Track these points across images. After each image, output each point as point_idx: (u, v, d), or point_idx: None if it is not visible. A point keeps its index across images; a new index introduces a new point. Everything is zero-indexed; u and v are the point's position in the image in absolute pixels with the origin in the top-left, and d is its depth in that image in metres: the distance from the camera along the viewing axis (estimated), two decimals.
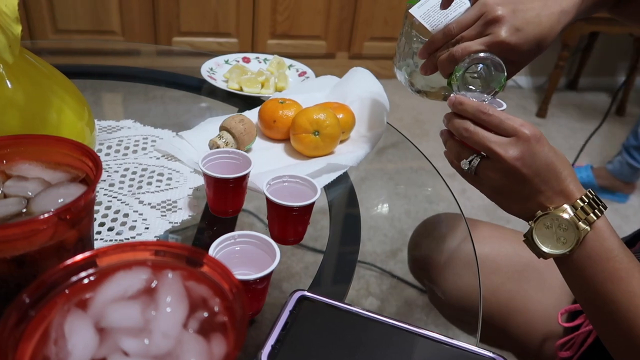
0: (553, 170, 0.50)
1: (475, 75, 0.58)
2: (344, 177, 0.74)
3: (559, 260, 0.52)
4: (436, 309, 0.85)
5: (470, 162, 0.54)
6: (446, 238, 0.83)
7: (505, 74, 0.57)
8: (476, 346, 0.45)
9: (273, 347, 0.42)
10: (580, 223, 0.49)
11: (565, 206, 0.50)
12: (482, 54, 0.57)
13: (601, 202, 0.51)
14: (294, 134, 0.74)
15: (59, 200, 0.38)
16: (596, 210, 0.50)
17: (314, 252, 0.87)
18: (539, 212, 0.51)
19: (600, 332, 0.53)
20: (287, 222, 0.56)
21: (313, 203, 0.56)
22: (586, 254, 0.50)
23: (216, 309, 0.30)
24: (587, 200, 0.50)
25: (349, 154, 0.76)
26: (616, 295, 0.48)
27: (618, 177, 1.99)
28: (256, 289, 0.46)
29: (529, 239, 0.52)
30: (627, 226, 1.91)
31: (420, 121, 2.42)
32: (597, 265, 0.49)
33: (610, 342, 0.51)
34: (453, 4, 0.61)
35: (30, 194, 0.39)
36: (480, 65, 0.57)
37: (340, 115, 0.77)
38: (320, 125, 0.73)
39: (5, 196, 0.39)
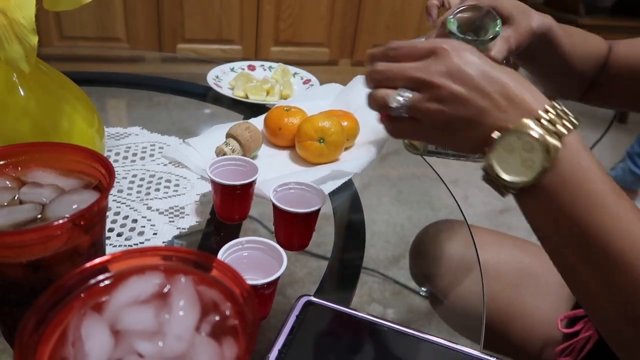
0: (493, 80, 0.42)
1: (469, 38, 0.56)
2: (348, 184, 0.75)
3: (527, 193, 0.42)
4: (438, 315, 0.85)
5: (398, 102, 0.45)
6: (447, 244, 0.84)
7: (498, 20, 0.55)
8: (480, 352, 0.45)
9: (280, 351, 0.42)
10: (549, 139, 0.40)
11: (526, 121, 0.40)
12: (467, 5, 0.56)
13: (570, 114, 0.42)
14: (299, 141, 0.75)
15: (73, 207, 0.39)
16: (565, 122, 0.41)
17: (317, 258, 0.88)
18: (496, 134, 0.41)
19: (580, 277, 0.42)
20: (293, 228, 0.57)
21: (319, 209, 0.57)
22: (560, 175, 0.40)
23: (227, 312, 0.31)
24: (553, 112, 0.41)
25: (353, 161, 0.77)
26: (603, 221, 0.39)
27: (621, 184, 2.00)
28: (263, 294, 0.47)
29: (487, 172, 0.42)
30: None
31: None
32: (575, 188, 0.40)
33: (596, 286, 0.41)
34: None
35: (45, 200, 0.40)
36: (470, 14, 0.56)
37: (345, 123, 0.79)
38: (325, 133, 0.74)
39: (20, 202, 0.40)
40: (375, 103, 0.47)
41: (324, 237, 0.66)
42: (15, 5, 0.41)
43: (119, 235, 0.58)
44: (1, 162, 0.43)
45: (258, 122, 0.83)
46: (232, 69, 1.06)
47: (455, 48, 0.43)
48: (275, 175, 0.71)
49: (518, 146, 0.40)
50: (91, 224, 0.39)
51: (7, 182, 0.42)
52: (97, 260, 0.32)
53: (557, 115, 0.41)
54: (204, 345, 0.29)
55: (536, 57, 0.63)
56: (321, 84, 1.03)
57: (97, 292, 0.32)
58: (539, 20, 0.58)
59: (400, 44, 0.45)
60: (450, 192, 0.79)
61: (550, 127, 0.40)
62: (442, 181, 0.81)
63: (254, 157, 0.77)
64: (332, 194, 0.72)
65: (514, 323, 0.75)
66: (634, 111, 0.71)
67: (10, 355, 0.44)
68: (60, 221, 0.35)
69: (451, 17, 0.55)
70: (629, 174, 1.96)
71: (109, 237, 0.58)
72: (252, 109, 0.93)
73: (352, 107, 0.86)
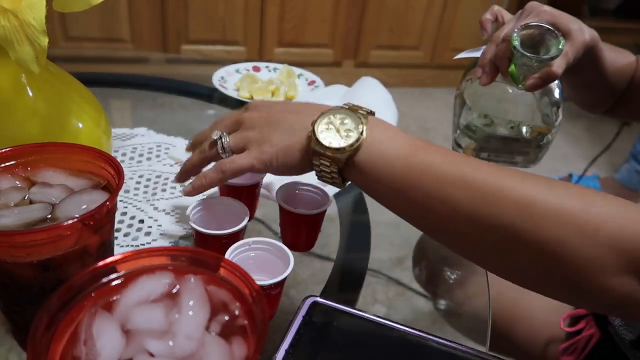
0: (290, 102, 0.51)
1: (531, 51, 0.57)
2: (353, 185, 0.75)
3: (351, 169, 0.45)
4: (442, 317, 0.85)
5: (218, 141, 0.49)
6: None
7: (561, 37, 0.56)
8: (486, 352, 0.45)
9: (287, 351, 0.42)
10: (359, 112, 0.45)
11: (339, 107, 0.46)
12: (530, 22, 0.57)
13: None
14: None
15: (83, 207, 0.39)
16: (360, 111, 0.46)
17: (322, 260, 0.88)
18: (308, 130, 0.46)
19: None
20: (299, 230, 0.57)
21: (325, 211, 0.57)
22: (374, 137, 0.44)
23: (236, 312, 0.31)
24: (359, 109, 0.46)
25: None
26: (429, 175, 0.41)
27: (627, 186, 1.99)
28: (270, 295, 0.47)
29: (315, 149, 0.45)
30: None
31: (426, 129, 2.44)
32: (392, 144, 0.43)
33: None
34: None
35: (54, 200, 0.40)
36: (533, 31, 0.57)
37: None
38: None
39: (30, 202, 0.40)
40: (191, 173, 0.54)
41: (329, 238, 0.66)
42: (26, 7, 0.41)
43: (125, 235, 0.59)
44: (11, 163, 0.43)
45: None
46: (237, 71, 1.06)
47: (253, 105, 0.51)
48: (281, 176, 0.71)
49: (335, 122, 0.45)
50: (100, 224, 0.39)
51: (17, 182, 0.42)
52: (108, 260, 0.32)
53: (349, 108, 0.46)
54: (214, 345, 0.30)
55: (580, 71, 0.65)
56: (325, 85, 1.03)
57: (107, 292, 0.32)
58: (590, 33, 0.60)
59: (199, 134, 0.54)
60: None
61: (360, 111, 0.45)
62: None
63: None
64: (337, 195, 0.72)
65: (517, 323, 0.75)
66: None
67: (17, 354, 0.44)
68: (70, 221, 0.36)
69: (515, 34, 0.57)
70: (634, 174, 1.96)
71: (116, 238, 0.58)
72: None
73: None
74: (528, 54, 0.56)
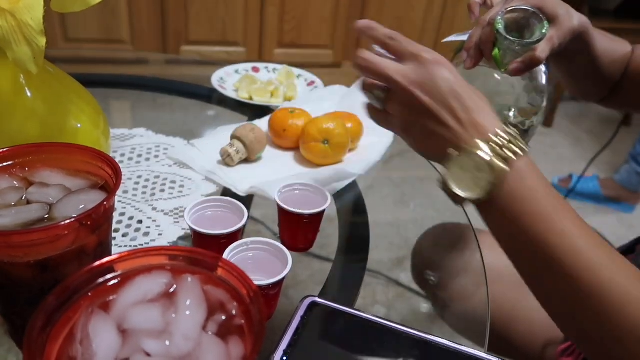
0: (458, 98, 0.45)
1: (516, 34, 0.57)
2: (353, 186, 0.75)
3: (482, 207, 0.46)
4: (441, 317, 0.85)
5: (376, 97, 0.50)
6: (450, 247, 0.84)
7: (545, 22, 0.56)
8: (485, 353, 0.45)
9: (285, 351, 0.42)
10: (496, 162, 0.43)
11: (479, 142, 0.44)
12: (515, 5, 0.57)
13: (521, 140, 0.46)
14: (304, 143, 0.76)
15: (80, 207, 0.39)
16: (514, 147, 0.44)
17: (320, 260, 0.88)
18: (452, 152, 0.46)
19: (536, 286, 0.47)
20: (298, 229, 0.57)
21: (324, 211, 0.57)
22: (507, 194, 0.44)
23: (234, 312, 0.31)
24: (504, 136, 0.44)
25: (357, 162, 0.77)
26: (548, 237, 0.43)
27: (627, 187, 1.99)
28: (269, 295, 0.47)
29: (445, 184, 0.47)
30: (632, 235, 1.91)
31: None
32: (521, 206, 0.44)
33: (547, 295, 0.46)
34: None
35: (52, 200, 0.40)
36: (517, 15, 0.56)
37: (349, 125, 0.79)
38: (330, 134, 0.74)
39: (28, 202, 0.40)
40: (363, 88, 0.52)
41: (328, 238, 0.66)
42: (24, 7, 0.41)
43: (124, 235, 0.59)
44: (9, 163, 0.43)
45: (262, 123, 0.84)
46: (236, 71, 1.06)
47: (436, 61, 0.46)
48: (280, 176, 0.71)
49: (470, 165, 0.44)
50: (98, 224, 0.39)
51: (15, 183, 0.42)
52: (105, 260, 0.32)
53: (508, 140, 0.44)
54: (211, 345, 0.30)
55: (571, 58, 0.64)
56: (325, 86, 1.03)
57: (104, 291, 0.32)
58: (579, 19, 0.59)
59: (396, 38, 0.48)
60: None
61: (499, 151, 0.44)
62: None
63: (258, 159, 0.77)
64: (337, 196, 0.72)
65: (517, 324, 0.75)
66: None
67: (15, 355, 0.44)
68: (68, 221, 0.36)
69: (499, 17, 0.56)
70: (634, 175, 1.96)
71: (114, 238, 0.58)
72: (256, 111, 0.93)
73: (356, 108, 0.86)
74: (510, 38, 0.55)
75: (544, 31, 0.56)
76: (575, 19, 0.59)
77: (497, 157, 0.44)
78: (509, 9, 0.57)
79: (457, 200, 0.46)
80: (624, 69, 0.68)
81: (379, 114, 0.52)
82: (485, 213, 0.47)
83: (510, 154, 0.44)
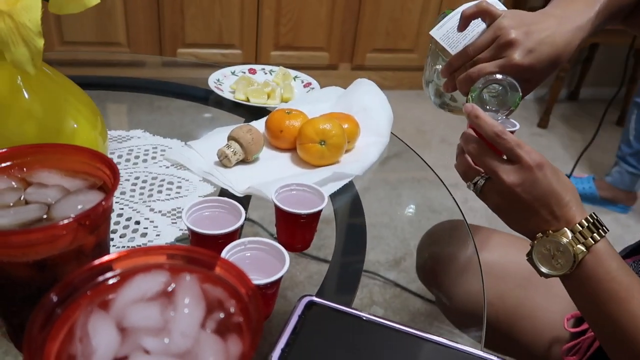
0: (554, 196, 0.52)
1: (493, 93, 0.60)
2: (349, 187, 0.75)
3: (564, 280, 0.54)
4: (445, 315, 0.86)
5: (475, 183, 0.56)
6: (455, 245, 0.84)
7: (520, 93, 0.59)
8: (481, 350, 0.46)
9: (283, 350, 0.43)
10: (577, 246, 0.51)
11: (565, 230, 0.51)
12: (496, 76, 0.59)
13: (602, 225, 0.52)
14: (301, 144, 0.76)
15: (78, 207, 0.40)
16: (595, 235, 0.51)
17: (318, 261, 0.88)
18: (539, 235, 0.53)
19: (605, 348, 0.54)
20: (295, 229, 0.58)
21: (320, 211, 0.57)
22: (585, 275, 0.51)
23: (232, 310, 0.32)
24: (586, 224, 0.51)
25: (354, 163, 0.77)
26: (617, 316, 0.50)
27: (620, 187, 2.00)
28: (266, 294, 0.47)
29: (530, 258, 0.54)
30: (628, 235, 1.92)
31: (422, 131, 2.44)
32: (596, 287, 0.51)
33: (615, 357, 0.53)
34: (470, 25, 0.63)
35: (50, 200, 0.40)
36: (496, 85, 0.59)
37: (346, 126, 0.79)
38: (326, 135, 0.74)
39: (26, 202, 0.40)
40: (459, 168, 0.59)
41: (325, 240, 0.67)
42: (22, 9, 0.42)
43: (122, 236, 0.59)
44: (7, 164, 0.43)
45: (259, 124, 0.84)
46: (233, 73, 1.06)
47: (537, 165, 0.52)
48: (277, 177, 0.72)
49: (553, 246, 0.52)
50: (96, 224, 0.39)
51: (13, 183, 0.42)
52: (104, 259, 0.32)
53: (589, 228, 0.51)
54: (209, 342, 0.30)
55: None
56: (321, 87, 1.03)
57: (103, 290, 0.32)
58: (572, 50, 0.60)
59: (506, 138, 0.52)
60: (452, 195, 0.79)
61: (581, 238, 0.51)
62: (443, 184, 0.81)
63: (255, 160, 0.77)
64: (333, 197, 0.72)
65: (521, 323, 0.75)
66: None
67: (13, 357, 0.44)
68: (66, 221, 0.36)
69: (478, 91, 0.59)
70: (625, 175, 1.97)
71: (112, 239, 0.58)
72: (253, 112, 0.93)
73: (352, 109, 0.87)
74: (486, 109, 0.59)
75: (513, 108, 0.60)
76: (567, 55, 0.60)
77: (578, 241, 0.51)
78: (486, 80, 0.59)
79: (541, 274, 0.54)
80: None
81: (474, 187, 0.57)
82: (566, 285, 0.54)
83: (591, 240, 0.51)
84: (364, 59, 2.69)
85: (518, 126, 0.63)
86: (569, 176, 2.01)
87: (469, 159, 0.57)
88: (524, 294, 0.76)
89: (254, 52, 2.49)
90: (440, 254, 0.85)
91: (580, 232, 0.51)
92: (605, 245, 0.51)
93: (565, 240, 0.51)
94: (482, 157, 0.54)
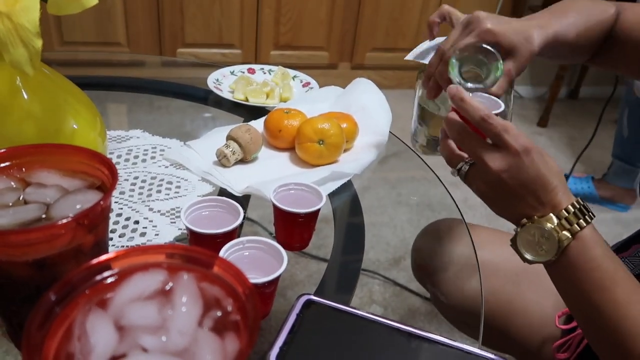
0: (541, 182, 0.51)
1: (472, 70, 0.58)
2: (348, 186, 0.75)
3: (546, 266, 0.53)
4: (440, 313, 0.86)
5: (459, 169, 0.55)
6: (450, 242, 0.84)
7: (500, 60, 0.56)
8: (478, 348, 0.46)
9: (281, 349, 0.43)
10: (562, 232, 0.49)
11: (551, 215, 0.50)
12: (470, 43, 0.57)
13: (589, 211, 0.51)
14: (299, 143, 0.76)
15: (77, 207, 0.40)
16: (581, 220, 0.50)
17: (317, 260, 0.88)
18: (524, 220, 0.52)
19: (588, 338, 0.53)
20: (293, 228, 0.58)
21: (319, 210, 0.57)
22: (569, 262, 0.50)
23: (229, 308, 0.32)
24: (572, 210, 0.50)
25: (352, 162, 0.77)
26: (601, 305, 0.49)
27: (619, 185, 2.01)
28: (264, 293, 0.47)
29: (514, 244, 0.53)
30: (629, 234, 1.92)
31: None
32: (581, 275, 0.50)
33: (598, 348, 0.52)
34: (438, 39, 0.64)
35: (49, 200, 0.41)
36: (474, 58, 0.57)
37: (344, 125, 0.79)
38: (325, 135, 0.74)
39: (25, 202, 0.41)
40: (443, 152, 0.58)
41: (324, 239, 0.67)
42: (20, 10, 0.42)
43: (121, 236, 0.59)
44: (6, 164, 0.43)
45: (258, 124, 0.84)
46: (232, 72, 1.07)
47: (525, 151, 0.50)
48: (276, 176, 0.72)
49: (538, 232, 0.51)
50: (95, 224, 0.39)
51: (12, 183, 0.42)
52: (102, 258, 0.33)
53: (575, 214, 0.50)
54: (207, 340, 0.30)
55: (548, 57, 0.67)
56: (320, 87, 1.04)
57: (101, 289, 0.32)
58: (540, 39, 0.60)
59: (492, 123, 0.51)
60: (450, 194, 0.79)
61: (567, 224, 0.50)
62: (442, 183, 0.82)
63: (254, 159, 0.77)
64: (332, 197, 0.72)
65: (515, 319, 0.76)
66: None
67: (13, 356, 0.45)
68: (65, 220, 0.36)
69: (453, 59, 0.57)
70: (623, 173, 1.98)
71: (111, 238, 0.58)
72: (252, 112, 0.94)
73: (351, 109, 0.87)
74: (464, 83, 0.56)
75: (497, 74, 0.57)
76: (537, 40, 0.60)
77: (563, 227, 0.49)
78: (462, 48, 0.57)
79: (524, 260, 0.52)
80: (606, 31, 0.68)
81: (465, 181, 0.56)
82: (550, 272, 0.53)
83: (577, 226, 0.49)
84: (363, 59, 2.69)
85: (503, 107, 0.60)
86: (567, 176, 2.01)
87: (453, 144, 0.56)
88: (516, 289, 0.76)
89: (253, 51, 2.49)
90: (435, 252, 0.86)
91: (566, 218, 0.50)
92: (591, 232, 0.50)
93: (550, 226, 0.50)
94: (466, 142, 0.53)
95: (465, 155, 0.55)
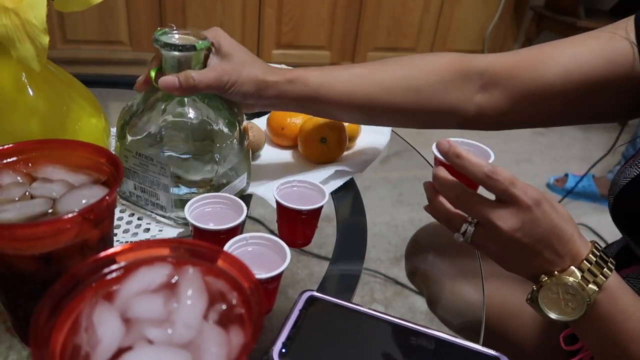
0: (557, 233, 0.46)
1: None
2: (350, 185, 0.76)
3: (574, 324, 0.49)
4: (435, 315, 0.86)
5: (463, 233, 0.49)
6: (443, 246, 0.84)
7: (206, 40, 0.57)
8: (480, 346, 0.46)
9: (284, 344, 0.43)
10: (588, 286, 0.46)
11: (572, 269, 0.46)
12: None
13: (609, 257, 0.48)
14: (302, 141, 0.77)
15: (83, 201, 0.40)
16: (605, 269, 0.46)
17: (319, 259, 0.88)
18: (544, 278, 0.48)
19: None
20: (296, 225, 0.58)
21: (321, 207, 0.57)
22: (600, 316, 0.46)
23: (234, 302, 0.32)
24: (594, 259, 0.46)
25: (355, 160, 0.78)
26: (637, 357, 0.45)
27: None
28: (268, 289, 0.47)
29: (532, 302, 0.49)
30: None
31: (422, 132, 2.45)
32: (614, 327, 0.46)
33: None
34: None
35: (55, 195, 0.41)
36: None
37: (347, 123, 0.80)
38: (327, 133, 0.75)
39: (32, 197, 0.41)
40: (437, 215, 0.51)
41: (326, 238, 0.67)
42: (27, 6, 0.42)
43: (125, 231, 0.59)
44: (12, 159, 0.44)
45: (261, 122, 0.85)
46: None
47: (535, 203, 0.45)
48: (278, 174, 0.72)
49: (561, 288, 0.47)
50: (100, 218, 0.40)
51: (19, 178, 0.43)
52: (108, 251, 0.33)
53: (598, 263, 0.46)
54: (212, 333, 0.30)
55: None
56: None
57: (108, 282, 0.33)
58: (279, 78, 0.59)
59: (498, 179, 0.45)
60: None
61: (591, 276, 0.46)
62: None
63: (256, 157, 0.78)
64: (334, 196, 0.73)
65: (511, 320, 0.76)
66: (559, 125, 0.68)
67: (17, 351, 0.45)
68: (71, 215, 0.36)
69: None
70: None
71: (115, 234, 0.59)
72: None
73: None
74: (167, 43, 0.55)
75: (200, 43, 0.55)
76: (264, 74, 0.57)
77: (588, 281, 0.46)
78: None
79: (548, 319, 0.48)
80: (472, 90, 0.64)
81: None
82: (576, 327, 0.49)
83: (601, 276, 0.46)
84: (365, 58, 2.70)
85: (493, 156, 0.55)
86: (581, 178, 1.99)
87: (445, 202, 0.50)
88: (512, 291, 0.76)
89: (255, 50, 2.50)
90: (427, 259, 0.85)
91: (588, 270, 0.46)
92: (617, 280, 0.47)
93: (574, 280, 0.46)
94: (467, 204, 0.47)
95: (465, 215, 0.49)
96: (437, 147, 0.49)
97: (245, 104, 0.62)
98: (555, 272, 0.47)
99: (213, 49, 0.59)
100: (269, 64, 0.61)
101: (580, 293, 0.46)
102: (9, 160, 0.44)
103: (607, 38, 0.61)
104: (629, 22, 0.60)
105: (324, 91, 0.61)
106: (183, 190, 0.59)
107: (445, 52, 0.66)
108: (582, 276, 0.46)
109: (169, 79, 0.55)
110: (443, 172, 0.49)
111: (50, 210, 0.40)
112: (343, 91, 0.62)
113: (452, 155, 0.47)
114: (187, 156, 0.58)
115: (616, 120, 0.65)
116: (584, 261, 0.46)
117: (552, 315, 0.48)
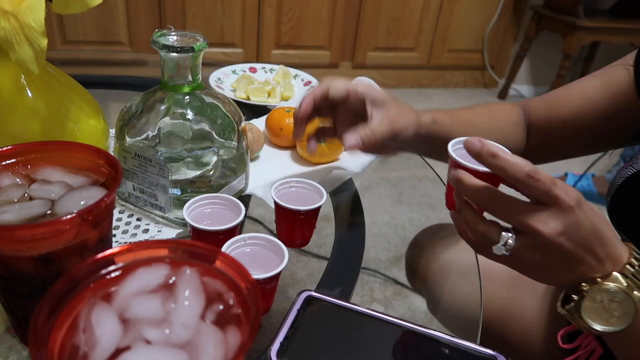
0: (598, 236, 0.43)
1: None
2: (349, 185, 0.76)
3: (616, 335, 0.44)
4: (435, 317, 0.86)
5: (504, 244, 0.44)
6: (442, 247, 0.84)
7: None
8: (478, 345, 0.46)
9: (282, 344, 0.44)
10: (634, 293, 0.42)
11: (616, 275, 0.43)
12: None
13: None
14: (300, 142, 0.77)
15: (81, 203, 0.40)
16: None
17: (318, 259, 0.89)
18: (585, 286, 0.44)
19: None
20: (294, 225, 0.58)
21: (319, 207, 0.58)
22: None
23: (231, 302, 0.32)
24: (637, 264, 0.43)
25: (353, 160, 0.78)
26: None
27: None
28: (266, 289, 0.48)
29: (572, 314, 0.45)
30: None
31: None
32: None
33: None
34: None
35: (54, 196, 0.41)
36: None
37: None
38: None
39: (31, 198, 0.41)
40: (467, 227, 0.46)
41: (325, 238, 0.67)
42: (26, 9, 0.42)
43: (124, 232, 0.60)
44: (11, 161, 0.44)
45: (260, 123, 0.85)
46: (233, 71, 1.07)
47: (577, 204, 0.41)
48: (277, 174, 0.73)
49: (607, 298, 0.43)
50: (99, 219, 0.40)
51: (18, 180, 0.43)
52: (107, 252, 0.33)
53: (639, 264, 0.43)
54: (209, 333, 0.31)
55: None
56: None
57: (106, 283, 0.33)
58: (424, 116, 0.62)
59: (540, 179, 0.41)
60: None
61: (637, 281, 0.43)
62: (443, 183, 0.82)
63: (255, 158, 0.78)
64: (333, 195, 0.73)
65: (511, 323, 0.76)
66: (579, 155, 0.75)
67: (17, 352, 0.45)
68: (69, 216, 0.37)
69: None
70: None
71: (114, 235, 0.59)
72: (253, 111, 0.94)
73: None
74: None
75: (198, 45, 0.58)
76: (415, 113, 0.61)
77: (635, 286, 0.43)
78: None
79: (591, 331, 0.45)
80: (522, 129, 0.71)
81: (495, 257, 0.46)
82: (619, 340, 0.46)
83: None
84: (365, 58, 2.70)
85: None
86: (580, 177, 2.00)
87: (475, 212, 0.45)
88: (512, 293, 0.76)
89: (255, 50, 2.50)
90: (428, 257, 0.85)
91: (633, 274, 0.42)
92: None
93: (619, 287, 0.42)
94: (502, 208, 0.42)
95: (501, 224, 0.44)
96: (467, 145, 0.44)
97: (390, 146, 0.62)
98: (598, 279, 0.43)
99: (368, 100, 0.61)
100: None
101: (627, 300, 0.42)
102: (8, 162, 0.44)
103: (610, 69, 0.65)
104: (634, 53, 0.64)
105: (456, 133, 0.63)
106: (182, 191, 0.60)
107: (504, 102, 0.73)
108: (627, 281, 0.42)
109: (352, 139, 0.57)
110: (467, 176, 0.44)
111: (49, 212, 0.40)
112: (464, 133, 0.63)
113: (487, 155, 0.42)
114: (186, 157, 0.58)
115: (632, 143, 0.69)
116: (627, 266, 0.43)
117: (597, 327, 0.44)
